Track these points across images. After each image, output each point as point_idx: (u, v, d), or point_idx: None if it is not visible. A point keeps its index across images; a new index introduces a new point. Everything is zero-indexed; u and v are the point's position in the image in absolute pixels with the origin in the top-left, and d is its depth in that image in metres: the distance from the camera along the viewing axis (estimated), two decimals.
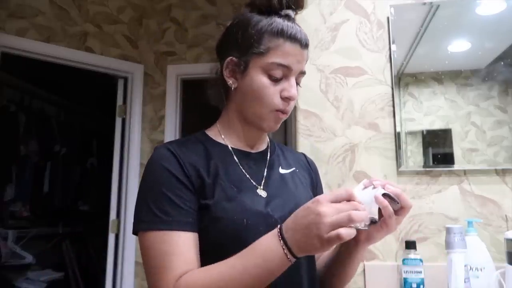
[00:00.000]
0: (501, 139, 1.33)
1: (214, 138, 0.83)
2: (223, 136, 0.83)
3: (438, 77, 1.40)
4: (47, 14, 2.40)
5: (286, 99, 0.76)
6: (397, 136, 1.38)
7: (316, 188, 0.94)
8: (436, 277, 1.22)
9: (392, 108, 1.41)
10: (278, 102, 0.76)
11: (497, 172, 1.32)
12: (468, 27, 1.42)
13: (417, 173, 1.37)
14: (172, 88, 2.71)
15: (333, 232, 0.58)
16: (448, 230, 1.07)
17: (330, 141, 1.42)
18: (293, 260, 0.62)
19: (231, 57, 0.78)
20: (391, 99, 1.42)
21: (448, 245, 1.06)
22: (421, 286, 1.20)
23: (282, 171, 0.85)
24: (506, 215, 1.29)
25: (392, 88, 1.42)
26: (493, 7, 1.41)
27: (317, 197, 0.61)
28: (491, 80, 1.37)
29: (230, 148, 0.81)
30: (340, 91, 1.45)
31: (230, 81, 0.78)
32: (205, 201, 0.72)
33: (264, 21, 0.75)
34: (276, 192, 0.79)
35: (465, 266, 1.05)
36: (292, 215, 0.64)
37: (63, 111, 3.66)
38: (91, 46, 2.55)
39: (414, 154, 1.38)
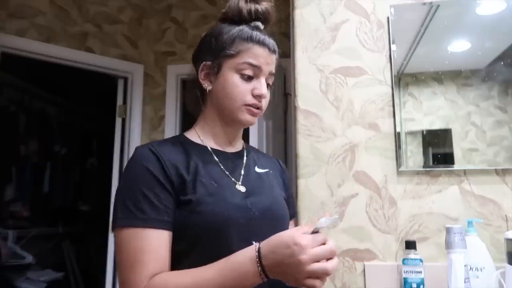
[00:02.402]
0: (501, 139, 1.33)
1: (192, 140, 0.87)
2: (201, 138, 0.87)
3: (438, 77, 1.40)
4: (47, 14, 2.41)
5: (257, 97, 0.82)
6: (397, 136, 1.38)
7: (286, 191, 0.97)
8: (436, 277, 1.22)
9: (392, 108, 1.41)
10: (249, 98, 0.82)
11: (497, 172, 1.32)
12: (468, 27, 1.42)
13: (417, 173, 1.37)
14: (172, 88, 2.72)
15: (310, 281, 0.64)
16: (448, 230, 1.07)
17: (330, 141, 1.42)
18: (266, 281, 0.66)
19: (205, 62, 0.85)
20: (391, 99, 1.42)
21: (448, 245, 1.07)
22: (421, 286, 1.20)
23: (258, 170, 0.91)
24: (506, 215, 1.29)
25: (392, 88, 1.42)
26: (493, 7, 1.41)
27: (300, 239, 0.63)
28: (491, 80, 1.37)
29: (210, 149, 0.86)
30: (340, 91, 1.45)
31: (205, 84, 0.85)
32: (186, 197, 0.75)
33: (236, 29, 0.84)
34: (254, 188, 0.84)
35: (465, 266, 1.05)
36: (272, 243, 0.65)
37: (63, 111, 3.66)
38: (91, 46, 2.55)
39: (414, 154, 1.38)
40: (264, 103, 0.85)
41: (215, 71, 0.83)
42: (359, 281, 1.32)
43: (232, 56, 0.82)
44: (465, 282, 1.04)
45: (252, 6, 0.85)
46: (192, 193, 0.75)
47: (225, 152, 0.88)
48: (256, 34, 0.83)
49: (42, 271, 3.13)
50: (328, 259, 0.66)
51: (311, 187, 1.40)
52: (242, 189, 0.82)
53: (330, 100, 1.45)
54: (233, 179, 0.83)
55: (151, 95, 2.75)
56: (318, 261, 0.64)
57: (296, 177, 1.43)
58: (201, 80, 0.85)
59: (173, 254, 0.74)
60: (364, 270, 1.32)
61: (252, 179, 0.86)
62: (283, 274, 0.65)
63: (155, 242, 0.71)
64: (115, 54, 2.64)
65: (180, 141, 0.85)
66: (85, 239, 3.64)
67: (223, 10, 0.88)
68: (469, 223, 1.20)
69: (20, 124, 3.17)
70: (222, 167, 0.84)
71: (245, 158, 0.90)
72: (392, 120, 1.41)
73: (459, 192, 1.33)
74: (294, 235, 0.64)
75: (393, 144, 1.39)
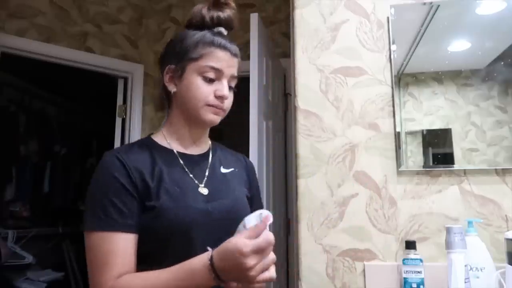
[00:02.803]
0: (501, 139, 1.33)
1: (159, 142, 0.91)
2: (168, 141, 0.91)
3: (438, 77, 1.40)
4: (47, 14, 2.41)
5: (219, 98, 0.86)
6: (397, 136, 1.38)
7: (251, 188, 1.01)
8: (436, 277, 1.22)
9: (392, 108, 1.41)
10: (211, 99, 0.86)
11: (497, 172, 1.33)
12: (468, 27, 1.42)
13: (417, 173, 1.37)
14: None
15: (261, 277, 0.69)
16: (448, 230, 1.07)
17: (330, 141, 1.42)
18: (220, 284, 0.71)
19: (169, 65, 0.89)
20: (391, 99, 1.42)
21: (448, 245, 1.07)
22: (421, 286, 1.20)
23: (223, 170, 0.95)
24: (506, 215, 1.29)
25: (392, 88, 1.42)
26: (493, 7, 1.41)
27: (241, 247, 0.67)
28: (491, 80, 1.37)
29: (176, 152, 0.90)
30: (340, 91, 1.45)
31: (170, 86, 0.89)
32: (150, 203, 0.80)
33: (199, 34, 0.88)
34: (217, 190, 0.89)
35: (465, 266, 1.05)
36: (221, 251, 0.70)
37: (63, 111, 3.66)
38: (91, 46, 2.56)
39: (414, 154, 1.38)
40: (227, 104, 0.89)
41: (179, 74, 0.88)
42: (359, 281, 1.32)
43: (195, 59, 0.86)
44: (465, 282, 1.04)
45: (214, 13, 0.90)
46: (156, 199, 0.80)
47: (190, 155, 0.92)
48: (217, 39, 0.87)
49: (42, 271, 3.13)
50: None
51: (311, 187, 1.40)
52: (205, 191, 0.87)
53: (330, 100, 1.45)
54: (196, 182, 0.88)
55: (151, 95, 2.75)
56: (261, 261, 0.69)
57: (296, 177, 1.43)
58: (166, 83, 0.90)
59: (143, 256, 0.80)
60: (364, 270, 1.32)
61: (216, 181, 0.91)
62: (236, 277, 0.70)
63: (122, 245, 0.77)
64: (115, 54, 2.64)
65: (147, 145, 0.89)
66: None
67: (188, 17, 0.92)
68: (469, 223, 1.20)
69: (20, 124, 3.17)
70: (186, 170, 0.88)
71: (210, 159, 0.94)
72: (392, 120, 1.41)
73: (459, 192, 1.33)
74: (237, 243, 0.68)
75: (393, 144, 1.39)
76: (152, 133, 0.95)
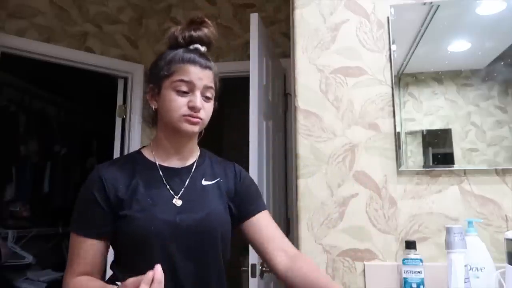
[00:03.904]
0: (501, 139, 1.33)
1: (146, 156, 0.99)
2: (153, 153, 0.99)
3: (438, 77, 1.40)
4: (47, 14, 2.40)
5: (192, 108, 0.92)
6: (397, 136, 1.38)
7: (238, 193, 1.03)
8: (436, 277, 1.22)
9: (392, 108, 1.41)
10: (185, 110, 0.92)
11: (497, 172, 1.32)
12: (468, 27, 1.42)
13: (417, 173, 1.37)
14: None
15: None
16: (448, 230, 1.07)
17: (330, 141, 1.42)
18: None
19: (150, 85, 0.98)
20: (391, 99, 1.42)
21: (448, 245, 1.07)
22: (421, 286, 1.20)
23: (205, 182, 1.00)
24: (506, 215, 1.29)
25: (392, 88, 1.42)
26: (493, 7, 1.41)
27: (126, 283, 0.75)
28: (491, 80, 1.37)
29: (158, 165, 0.97)
30: (340, 91, 1.45)
31: (152, 104, 0.97)
32: (122, 212, 0.90)
33: (172, 53, 0.96)
34: (191, 202, 0.94)
35: (465, 266, 1.05)
36: None
37: (63, 111, 3.66)
38: (91, 46, 2.55)
39: (414, 154, 1.38)
40: (203, 114, 0.94)
41: (156, 92, 0.96)
42: (359, 281, 1.32)
43: (168, 76, 0.93)
44: (465, 282, 1.04)
45: (186, 33, 0.97)
46: (128, 209, 0.90)
47: (172, 168, 0.98)
48: (187, 55, 0.94)
49: (42, 271, 3.13)
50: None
51: (311, 187, 1.40)
52: (178, 203, 0.93)
53: (330, 100, 1.45)
54: (172, 193, 0.95)
55: None
56: None
57: (296, 177, 1.43)
58: (149, 101, 0.98)
59: (118, 259, 0.94)
60: (364, 270, 1.32)
61: (193, 193, 0.96)
62: None
63: (87, 249, 0.90)
64: (115, 54, 2.64)
65: (133, 159, 0.99)
66: None
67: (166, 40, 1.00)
68: (469, 223, 1.20)
69: (20, 124, 3.17)
70: (164, 182, 0.95)
71: (192, 171, 1.00)
72: (392, 120, 1.41)
73: (459, 192, 1.33)
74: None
75: (393, 144, 1.39)
76: (144, 146, 1.04)
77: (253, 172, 1.59)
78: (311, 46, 1.49)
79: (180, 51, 0.95)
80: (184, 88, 0.92)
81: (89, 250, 0.91)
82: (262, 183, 1.74)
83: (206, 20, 1.00)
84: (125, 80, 2.71)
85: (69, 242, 0.93)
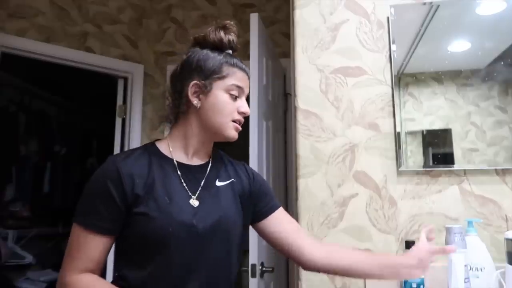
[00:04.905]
0: (501, 139, 1.33)
1: (162, 151, 0.96)
2: (171, 150, 0.96)
3: (438, 77, 1.40)
4: (47, 14, 2.40)
5: (242, 114, 0.95)
6: (397, 136, 1.38)
7: (253, 194, 1.04)
8: (436, 277, 1.22)
9: (392, 108, 1.41)
10: (236, 115, 0.94)
11: (497, 172, 1.32)
12: (468, 27, 1.42)
13: (417, 173, 1.37)
14: None
15: None
16: (448, 230, 1.07)
17: (330, 141, 1.42)
18: None
19: (195, 81, 0.93)
20: (391, 99, 1.42)
21: (448, 245, 1.06)
22: (421, 286, 1.20)
23: (218, 183, 0.98)
24: (506, 215, 1.29)
25: (392, 88, 1.42)
26: (493, 7, 1.41)
27: None
28: (491, 80, 1.37)
29: (175, 162, 0.95)
30: (340, 91, 1.45)
31: (195, 101, 0.94)
32: (138, 209, 0.86)
33: (221, 55, 0.96)
34: (207, 204, 0.92)
35: (465, 266, 1.05)
36: None
37: (63, 111, 3.66)
38: (91, 46, 2.55)
39: (414, 154, 1.38)
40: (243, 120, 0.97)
41: (205, 90, 0.93)
42: (359, 281, 1.32)
43: (222, 78, 0.93)
44: (465, 282, 1.04)
45: (230, 37, 0.98)
46: (144, 206, 0.86)
47: (189, 165, 0.96)
48: (237, 61, 0.96)
49: (42, 271, 3.13)
50: None
51: (311, 187, 1.40)
52: (195, 203, 0.91)
53: (330, 100, 1.45)
54: (189, 193, 0.92)
55: (151, 95, 2.74)
56: None
57: (296, 177, 1.43)
58: (190, 97, 0.94)
59: (128, 258, 0.88)
60: None
61: (208, 194, 0.94)
62: None
63: (92, 244, 0.85)
64: (115, 54, 2.64)
65: (149, 152, 0.94)
66: None
67: (201, 35, 0.98)
68: (469, 223, 1.20)
69: (20, 124, 3.17)
70: (182, 181, 0.93)
71: (207, 171, 0.98)
72: (392, 120, 1.41)
73: (459, 192, 1.33)
74: None
75: (393, 144, 1.39)
76: (157, 140, 0.99)
77: None
78: (311, 46, 1.49)
79: (227, 55, 0.96)
80: (235, 93, 0.94)
81: (96, 246, 0.85)
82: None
83: (234, 26, 1.00)
84: (125, 80, 2.70)
85: (71, 235, 0.87)
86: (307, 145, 1.43)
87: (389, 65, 1.44)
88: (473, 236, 1.17)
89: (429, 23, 1.43)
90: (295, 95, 1.48)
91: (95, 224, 0.85)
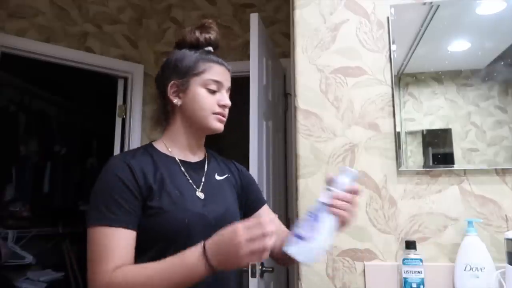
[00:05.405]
0: (501, 139, 1.33)
1: (161, 150, 0.98)
2: (169, 149, 0.99)
3: (438, 77, 1.40)
4: (47, 14, 2.41)
5: (222, 106, 0.97)
6: (397, 136, 1.38)
7: (244, 188, 1.09)
8: (436, 277, 1.22)
9: (392, 108, 1.41)
10: (217, 108, 0.97)
11: (497, 172, 1.33)
12: (468, 27, 1.42)
13: (417, 173, 1.37)
14: None
15: (248, 258, 0.74)
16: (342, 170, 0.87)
17: (330, 141, 1.42)
18: (211, 272, 0.76)
19: (173, 81, 0.97)
20: (391, 99, 1.42)
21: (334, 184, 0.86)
22: (421, 286, 1.20)
23: (217, 177, 1.03)
24: (506, 215, 1.29)
25: (392, 88, 1.42)
26: (493, 7, 1.41)
27: (236, 227, 0.74)
28: (491, 80, 1.37)
29: (178, 160, 0.98)
30: (340, 91, 1.45)
31: (175, 100, 0.97)
32: (152, 203, 0.87)
33: (196, 53, 0.99)
34: (212, 196, 0.96)
35: (465, 266, 1.05)
36: (215, 237, 0.77)
37: (63, 111, 3.66)
38: (91, 46, 2.55)
39: (414, 154, 1.38)
40: (226, 111, 1.00)
41: (183, 88, 0.96)
42: (359, 281, 1.32)
43: (198, 74, 0.96)
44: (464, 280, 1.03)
45: (206, 35, 1.01)
46: (158, 200, 0.87)
47: (190, 162, 1.00)
48: (213, 56, 0.99)
49: (42, 271, 3.13)
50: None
51: (311, 187, 1.40)
52: (201, 195, 0.95)
53: (330, 100, 1.45)
54: (194, 186, 0.95)
55: (151, 95, 2.74)
56: (255, 240, 0.73)
57: (296, 177, 1.43)
58: (170, 97, 0.97)
59: (144, 256, 0.84)
60: (364, 270, 1.32)
61: (211, 187, 0.98)
62: (224, 260, 0.74)
63: (120, 240, 0.82)
64: (115, 54, 2.64)
65: (149, 152, 0.96)
66: (85, 239, 3.63)
67: (180, 38, 1.02)
68: (469, 223, 1.20)
69: (20, 124, 3.17)
70: (187, 176, 0.96)
71: (206, 166, 1.02)
72: (392, 120, 1.41)
73: (459, 192, 1.33)
74: (234, 225, 0.75)
75: (393, 144, 1.39)
76: (153, 141, 1.02)
77: (253, 172, 1.59)
78: (311, 46, 1.49)
79: (203, 52, 0.99)
80: (213, 87, 0.96)
81: (122, 242, 0.82)
82: (262, 183, 1.74)
83: (214, 24, 1.04)
84: (125, 80, 2.71)
85: (92, 242, 0.83)
86: (307, 145, 1.43)
87: (389, 65, 1.44)
88: (473, 236, 1.17)
89: (429, 23, 1.43)
90: (295, 95, 1.48)
91: (117, 219, 0.82)
